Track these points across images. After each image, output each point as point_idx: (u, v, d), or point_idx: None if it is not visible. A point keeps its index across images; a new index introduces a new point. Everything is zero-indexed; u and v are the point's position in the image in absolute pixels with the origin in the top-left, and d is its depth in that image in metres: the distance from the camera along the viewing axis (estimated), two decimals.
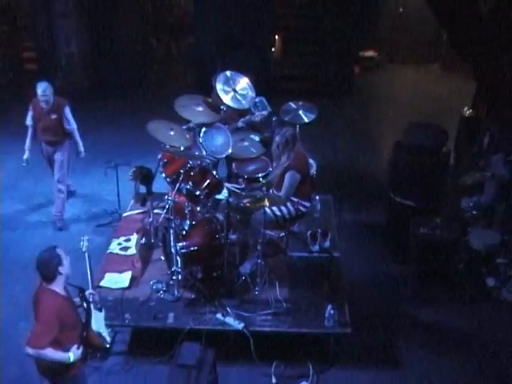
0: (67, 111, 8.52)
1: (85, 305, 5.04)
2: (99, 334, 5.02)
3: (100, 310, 5.16)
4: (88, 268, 5.41)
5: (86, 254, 5.44)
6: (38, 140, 8.62)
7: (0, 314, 6.96)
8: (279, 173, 6.93)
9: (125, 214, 8.27)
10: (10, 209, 9.16)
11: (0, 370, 6.22)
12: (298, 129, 8.19)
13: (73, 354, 4.79)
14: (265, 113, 8.10)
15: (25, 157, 8.55)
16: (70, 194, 9.31)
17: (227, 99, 7.66)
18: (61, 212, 8.72)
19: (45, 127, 8.49)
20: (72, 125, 8.58)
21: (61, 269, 4.76)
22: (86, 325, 4.95)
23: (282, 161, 6.89)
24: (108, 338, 5.13)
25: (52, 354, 4.69)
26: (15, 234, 8.50)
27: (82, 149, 8.75)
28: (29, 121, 8.54)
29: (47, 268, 4.74)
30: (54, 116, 8.42)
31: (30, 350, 4.62)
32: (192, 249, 6.51)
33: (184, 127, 7.41)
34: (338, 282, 6.83)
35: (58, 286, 4.79)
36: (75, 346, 4.82)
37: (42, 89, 8.30)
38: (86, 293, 5.10)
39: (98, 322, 5.05)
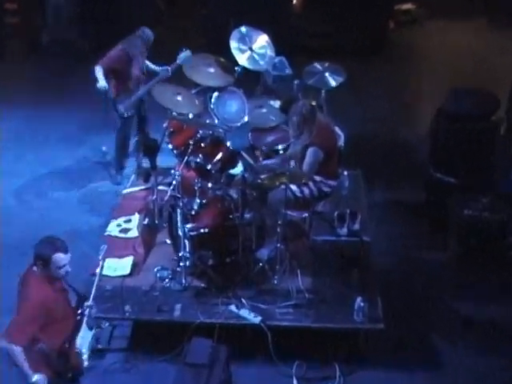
0: None
1: (78, 317, 5.05)
2: (79, 354, 4.97)
3: (91, 328, 5.11)
4: (98, 274, 5.46)
5: (101, 260, 5.45)
6: None
7: None
8: (300, 148, 6.89)
9: (125, 192, 8.30)
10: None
11: None
12: (323, 94, 8.20)
13: (38, 377, 4.77)
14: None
15: None
16: None
17: (243, 59, 7.66)
18: None
19: None
20: None
21: (56, 257, 4.78)
22: (72, 337, 4.96)
23: (303, 138, 6.83)
24: (86, 363, 5.03)
25: (21, 358, 4.72)
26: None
27: None
28: None
29: (43, 249, 4.81)
30: None
31: (3, 342, 4.69)
32: (202, 231, 6.56)
33: (193, 92, 7.43)
34: (368, 270, 6.87)
35: (47, 275, 4.84)
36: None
37: None
38: (86, 304, 5.09)
39: (83, 339, 5.02)
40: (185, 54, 7.94)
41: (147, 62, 8.59)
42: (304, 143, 6.80)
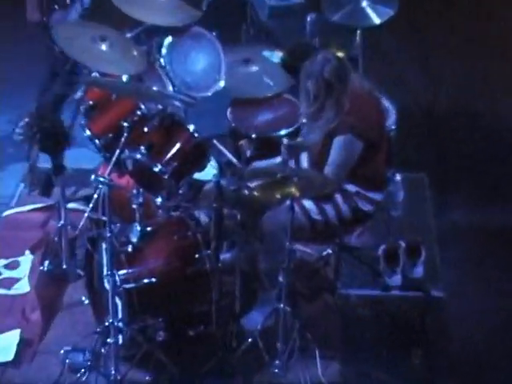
0: None
1: None
2: None
3: None
4: None
5: None
6: None
7: None
8: (319, 136, 6.91)
9: (7, 213, 8.41)
10: None
11: None
12: (358, 38, 8.31)
13: None
14: None
15: None
16: None
17: None
18: None
19: None
20: None
21: None
22: None
23: (326, 118, 6.80)
24: None
25: None
26: None
27: None
28: None
29: None
30: None
31: None
32: (146, 281, 6.63)
33: (130, 35, 7.51)
34: (441, 349, 6.94)
35: None
36: None
37: None
38: None
39: None
40: None
41: None
42: (327, 127, 6.82)
